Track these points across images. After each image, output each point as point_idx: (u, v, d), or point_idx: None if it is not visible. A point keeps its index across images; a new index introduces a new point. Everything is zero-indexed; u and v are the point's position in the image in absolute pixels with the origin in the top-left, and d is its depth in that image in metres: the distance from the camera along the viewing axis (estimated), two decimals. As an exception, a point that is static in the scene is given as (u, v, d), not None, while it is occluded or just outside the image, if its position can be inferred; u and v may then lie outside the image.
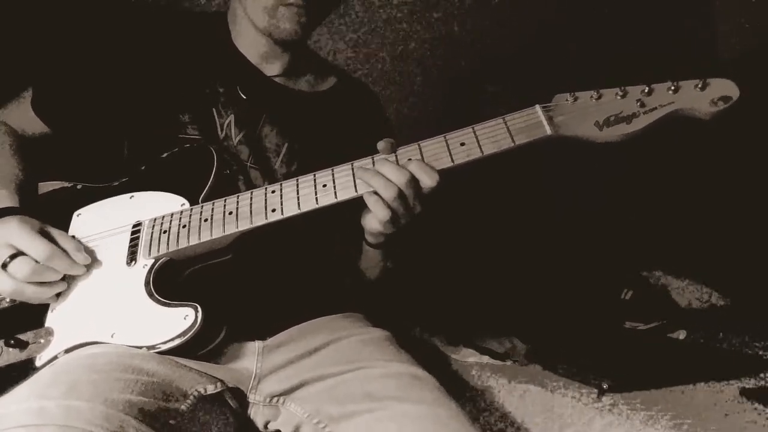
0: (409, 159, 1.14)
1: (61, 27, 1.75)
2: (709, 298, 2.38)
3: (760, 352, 1.93)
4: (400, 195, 1.12)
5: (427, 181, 1.12)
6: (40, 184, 1.38)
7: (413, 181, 1.12)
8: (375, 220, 1.17)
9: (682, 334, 2.11)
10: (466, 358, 1.86)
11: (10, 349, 1.16)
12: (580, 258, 2.55)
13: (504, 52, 2.75)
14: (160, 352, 1.10)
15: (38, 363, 1.13)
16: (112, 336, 1.12)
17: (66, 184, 1.38)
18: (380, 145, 1.18)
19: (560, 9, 2.83)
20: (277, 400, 1.23)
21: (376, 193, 1.13)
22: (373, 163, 1.16)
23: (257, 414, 1.23)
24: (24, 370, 1.12)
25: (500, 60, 2.73)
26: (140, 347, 1.10)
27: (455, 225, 2.40)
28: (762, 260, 2.32)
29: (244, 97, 1.40)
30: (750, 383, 1.67)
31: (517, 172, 2.22)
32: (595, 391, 1.60)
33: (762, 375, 1.72)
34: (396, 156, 1.15)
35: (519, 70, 2.60)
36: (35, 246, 1.11)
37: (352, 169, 1.16)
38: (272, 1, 1.31)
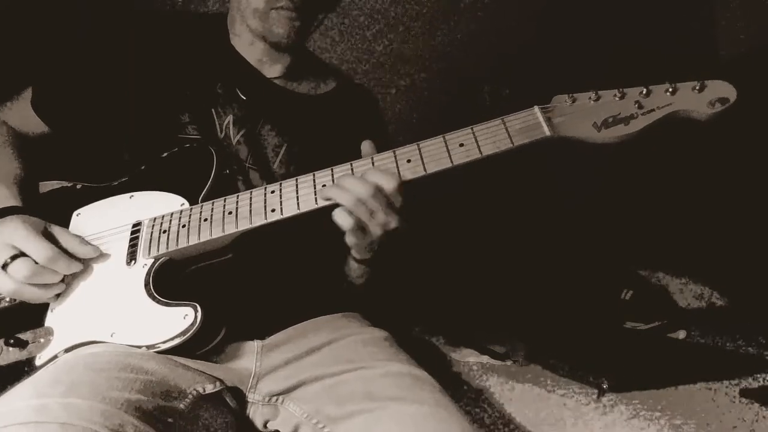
0: (371, 167, 1.14)
1: (61, 27, 1.76)
2: (709, 298, 2.38)
3: (760, 352, 1.93)
4: (362, 203, 1.10)
5: (387, 185, 1.10)
6: (40, 183, 1.38)
7: (376, 188, 1.10)
8: (349, 235, 1.16)
9: (682, 334, 2.11)
10: (466, 358, 1.87)
11: (10, 349, 1.16)
12: (581, 258, 2.54)
13: (504, 54, 2.75)
14: (160, 352, 1.10)
15: (38, 362, 1.13)
16: (111, 335, 1.12)
17: (66, 184, 1.38)
18: (365, 146, 1.18)
19: (560, 10, 2.83)
20: (276, 400, 1.23)
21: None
22: (373, 163, 1.16)
23: (256, 413, 1.23)
24: (24, 369, 1.13)
25: (500, 61, 2.73)
26: (140, 347, 1.10)
27: (455, 226, 2.40)
28: (762, 260, 2.32)
29: (244, 98, 1.40)
30: (750, 383, 1.68)
31: (517, 172, 2.23)
32: (595, 391, 1.60)
33: (762, 375, 1.72)
34: (395, 157, 1.15)
35: (519, 72, 2.60)
36: (36, 248, 1.12)
37: (352, 169, 1.16)
38: (263, 5, 1.32)
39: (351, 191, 1.10)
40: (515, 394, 1.63)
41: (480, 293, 2.26)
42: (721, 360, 1.90)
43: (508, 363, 1.86)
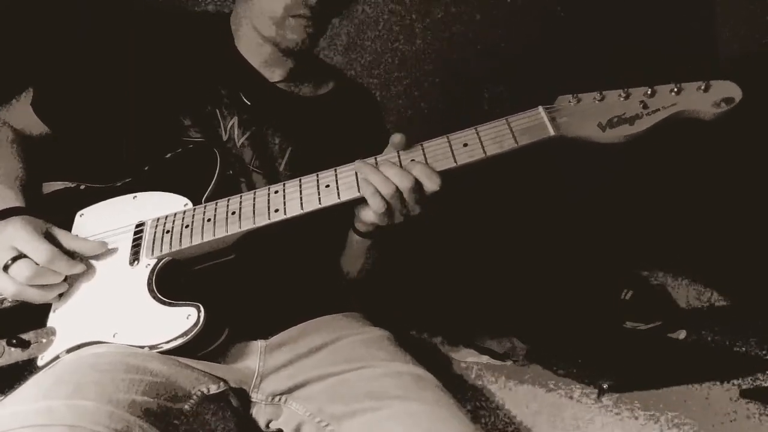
0: (412, 160, 1.14)
1: (63, 28, 1.75)
2: (709, 298, 2.38)
3: (760, 352, 1.93)
4: (399, 193, 1.12)
5: (430, 185, 1.11)
6: (44, 184, 1.38)
7: (417, 184, 1.11)
8: (370, 211, 1.17)
9: (682, 334, 2.11)
10: (466, 358, 1.86)
11: (12, 349, 1.16)
12: (580, 258, 2.54)
13: (507, 54, 2.75)
14: (163, 352, 1.10)
15: (40, 363, 1.13)
16: (114, 336, 1.12)
17: (69, 185, 1.38)
18: (395, 138, 1.17)
19: (562, 10, 2.83)
20: (279, 399, 1.23)
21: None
22: (377, 163, 1.16)
23: (259, 413, 1.24)
24: (26, 369, 1.12)
25: (503, 61, 2.73)
26: (142, 347, 1.10)
27: (455, 225, 2.40)
28: (762, 260, 2.32)
29: (248, 103, 1.40)
30: (750, 383, 1.67)
31: (517, 172, 2.22)
32: (595, 391, 1.60)
33: (762, 375, 1.72)
34: (399, 157, 1.15)
35: (522, 72, 2.60)
36: (37, 249, 1.11)
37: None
38: (281, 11, 1.30)
39: (392, 180, 1.11)
40: (515, 394, 1.62)
41: (480, 293, 2.26)
42: (721, 360, 1.90)
43: (508, 363, 1.85)
